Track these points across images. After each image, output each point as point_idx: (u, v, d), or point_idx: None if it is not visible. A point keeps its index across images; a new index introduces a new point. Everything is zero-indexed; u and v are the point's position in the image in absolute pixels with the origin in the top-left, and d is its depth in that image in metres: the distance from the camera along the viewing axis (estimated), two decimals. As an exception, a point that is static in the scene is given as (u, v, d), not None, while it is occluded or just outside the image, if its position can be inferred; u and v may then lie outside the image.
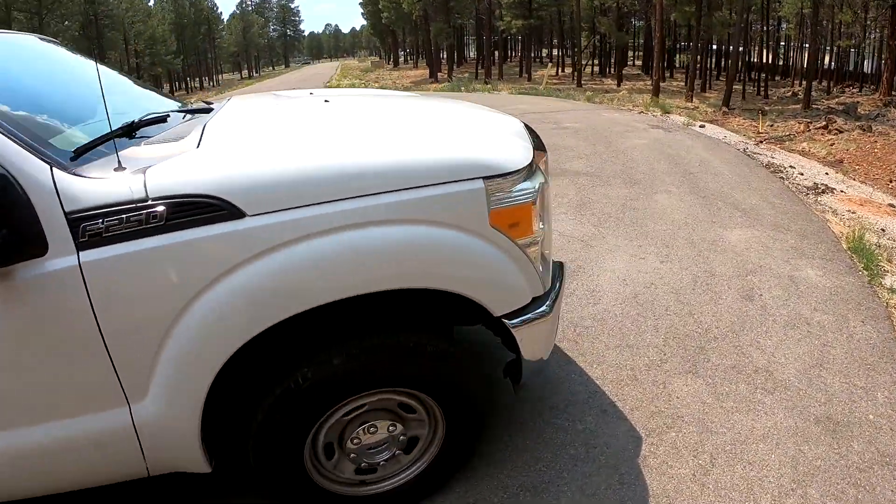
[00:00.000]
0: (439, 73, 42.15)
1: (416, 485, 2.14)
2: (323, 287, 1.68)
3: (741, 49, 27.95)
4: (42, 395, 1.63)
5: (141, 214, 1.52)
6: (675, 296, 3.60)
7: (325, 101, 2.58)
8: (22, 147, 1.52)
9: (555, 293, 2.12)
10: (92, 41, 45.11)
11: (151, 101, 2.66)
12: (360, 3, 66.57)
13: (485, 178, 1.79)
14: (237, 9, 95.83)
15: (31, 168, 1.50)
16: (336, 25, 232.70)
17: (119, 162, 1.60)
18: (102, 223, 1.51)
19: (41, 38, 2.79)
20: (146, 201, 1.52)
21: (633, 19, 38.50)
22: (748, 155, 7.49)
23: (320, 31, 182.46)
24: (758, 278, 3.79)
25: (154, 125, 2.00)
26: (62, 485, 1.81)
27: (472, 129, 2.24)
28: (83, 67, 2.79)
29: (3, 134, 1.52)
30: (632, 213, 5.14)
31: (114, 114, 1.72)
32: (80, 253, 1.51)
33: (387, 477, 2.10)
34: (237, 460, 1.96)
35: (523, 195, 1.88)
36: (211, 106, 2.60)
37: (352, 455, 2.04)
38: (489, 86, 24.66)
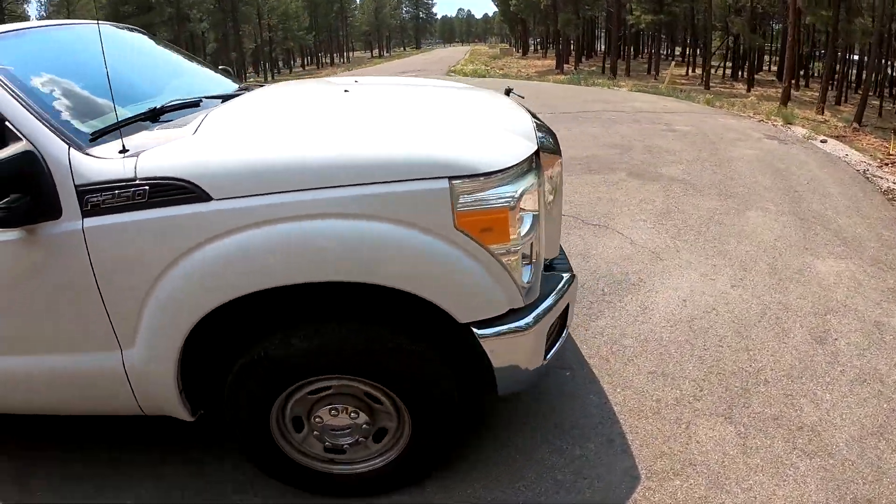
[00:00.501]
0: (566, 65, 41.01)
1: (385, 474, 2.09)
2: (274, 271, 1.72)
3: (882, 61, 24.74)
4: (58, 329, 1.92)
5: (128, 191, 1.72)
6: (736, 326, 3.18)
7: (345, 90, 2.49)
8: (49, 130, 1.80)
9: (544, 307, 1.90)
10: (227, 14, 47.06)
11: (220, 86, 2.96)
12: (492, -10, 65.94)
13: (451, 177, 1.67)
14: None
15: (53, 147, 1.77)
16: (469, 10, 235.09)
17: (123, 145, 1.80)
18: (100, 196, 1.74)
19: (120, 27, 3.19)
20: (134, 181, 1.72)
21: (771, 22, 35.25)
22: (867, 177, 6.55)
23: (453, 16, 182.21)
24: (838, 319, 3.26)
25: (184, 110, 2.22)
26: (74, 408, 2.15)
27: (463, 124, 2.05)
28: (157, 56, 3.12)
29: (36, 118, 1.81)
30: (717, 227, 4.64)
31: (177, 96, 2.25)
32: (84, 219, 1.75)
33: (356, 461, 2.10)
34: (216, 417, 2.04)
35: (499, 199, 1.70)
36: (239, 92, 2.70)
37: (315, 433, 2.03)
38: (611, 81, 23.65)
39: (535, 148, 1.88)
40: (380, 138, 1.82)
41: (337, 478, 2.10)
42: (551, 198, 2.10)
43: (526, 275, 1.84)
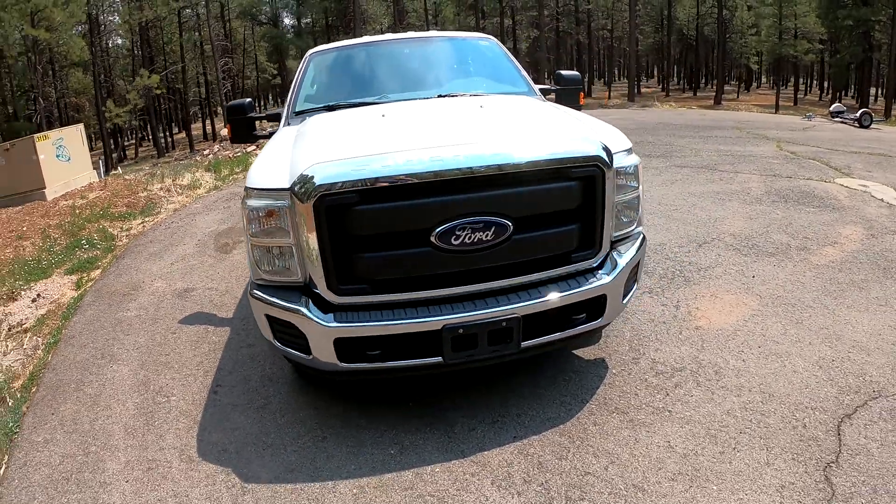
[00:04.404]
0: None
1: None
2: None
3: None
4: None
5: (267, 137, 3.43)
6: None
7: (382, 115, 2.91)
8: (290, 104, 3.44)
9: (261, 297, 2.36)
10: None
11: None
12: None
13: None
14: None
15: (285, 113, 3.42)
16: None
17: (287, 124, 3.26)
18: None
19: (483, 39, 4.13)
20: (270, 134, 3.44)
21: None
22: None
23: None
24: None
25: (353, 108, 3.15)
26: None
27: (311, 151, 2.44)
28: (476, 61, 3.94)
29: (294, 96, 3.51)
30: None
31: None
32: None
33: None
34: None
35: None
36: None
37: None
38: None
39: (283, 185, 2.21)
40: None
41: None
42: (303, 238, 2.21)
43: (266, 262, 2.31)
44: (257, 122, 3.68)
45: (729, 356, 2.80)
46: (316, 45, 5.05)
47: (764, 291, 3.43)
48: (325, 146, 2.43)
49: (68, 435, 2.70)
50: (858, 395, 2.45)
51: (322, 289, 2.19)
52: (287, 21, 42.87)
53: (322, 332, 2.16)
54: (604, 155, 2.21)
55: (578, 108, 3.69)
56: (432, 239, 2.09)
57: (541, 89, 3.73)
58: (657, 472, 2.10)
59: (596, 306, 2.32)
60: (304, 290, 2.27)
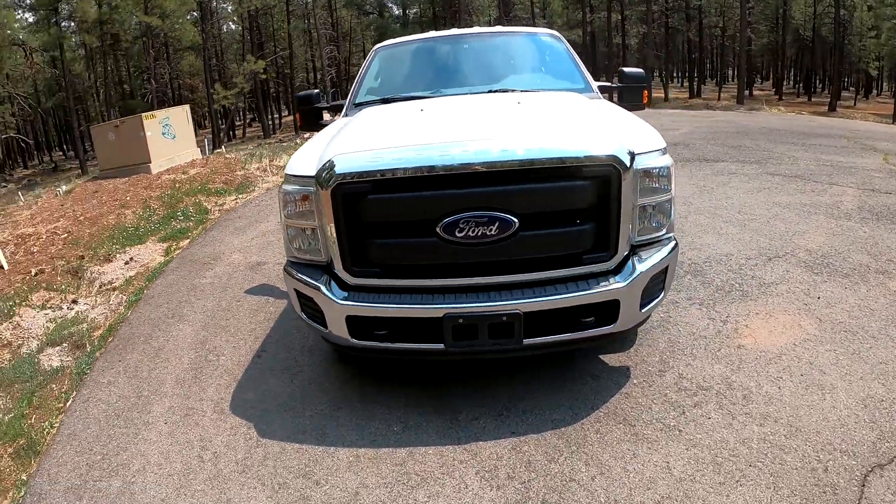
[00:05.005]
0: None
1: None
2: None
3: None
4: None
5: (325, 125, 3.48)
6: None
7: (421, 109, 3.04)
8: (354, 96, 3.63)
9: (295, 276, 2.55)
10: None
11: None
12: None
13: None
14: None
15: (348, 104, 3.61)
16: None
17: (346, 112, 3.52)
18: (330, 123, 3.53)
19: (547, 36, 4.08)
20: (327, 123, 3.50)
21: None
22: None
23: None
24: None
25: (405, 101, 3.29)
26: None
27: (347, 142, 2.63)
28: (537, 58, 4.00)
29: (357, 88, 3.69)
30: None
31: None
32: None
33: None
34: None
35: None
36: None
37: None
38: None
39: (311, 173, 2.38)
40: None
41: None
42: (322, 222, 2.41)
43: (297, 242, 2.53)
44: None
45: (764, 381, 2.63)
46: (422, 34, 5.29)
47: (826, 315, 3.15)
48: (354, 138, 2.60)
49: (128, 380, 3.09)
50: (902, 443, 2.21)
51: (339, 269, 2.37)
52: (394, 11, 43.91)
53: (336, 308, 2.34)
54: (621, 155, 2.17)
55: (641, 106, 3.59)
56: (438, 230, 2.18)
57: (600, 86, 3.65)
58: (644, 492, 2.04)
59: (607, 311, 2.28)
60: (327, 270, 2.46)
